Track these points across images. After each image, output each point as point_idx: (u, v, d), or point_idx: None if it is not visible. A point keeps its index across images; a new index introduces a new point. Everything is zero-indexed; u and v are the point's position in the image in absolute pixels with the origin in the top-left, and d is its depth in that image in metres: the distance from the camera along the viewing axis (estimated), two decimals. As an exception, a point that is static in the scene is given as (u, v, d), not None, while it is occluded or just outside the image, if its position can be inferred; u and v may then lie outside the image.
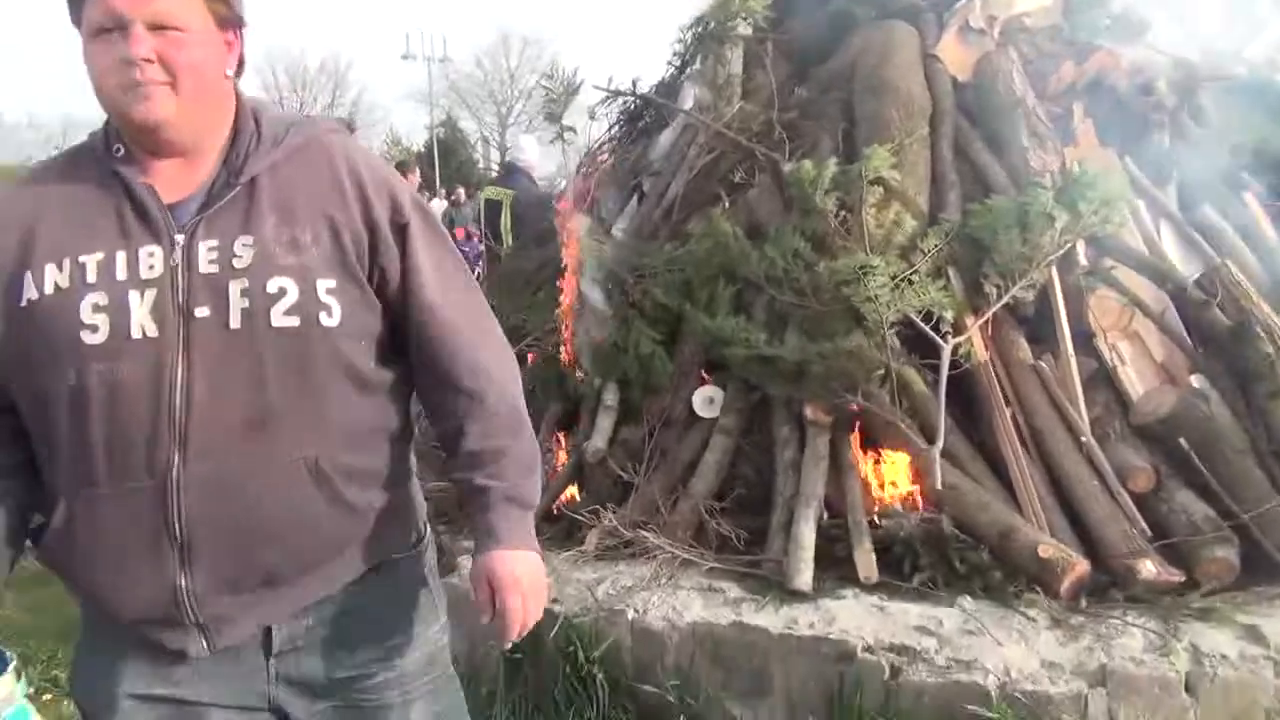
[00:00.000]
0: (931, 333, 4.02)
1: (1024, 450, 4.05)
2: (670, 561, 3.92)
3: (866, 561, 3.74)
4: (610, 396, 4.71)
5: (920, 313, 4.08)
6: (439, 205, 18.54)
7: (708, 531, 4.06)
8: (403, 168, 11.44)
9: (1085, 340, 4.30)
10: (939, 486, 3.78)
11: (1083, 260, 4.31)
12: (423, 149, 36.06)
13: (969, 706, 3.20)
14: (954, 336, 4.10)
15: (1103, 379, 4.23)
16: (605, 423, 4.59)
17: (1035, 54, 5.32)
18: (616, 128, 5.89)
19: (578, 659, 3.61)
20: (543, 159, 8.88)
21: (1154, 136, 5.08)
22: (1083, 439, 3.97)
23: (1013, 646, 3.34)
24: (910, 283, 4.18)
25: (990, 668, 3.26)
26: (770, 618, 3.54)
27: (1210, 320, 4.21)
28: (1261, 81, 5.73)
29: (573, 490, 4.69)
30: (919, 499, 3.99)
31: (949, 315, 4.12)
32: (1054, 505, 3.90)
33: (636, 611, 3.68)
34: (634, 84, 5.85)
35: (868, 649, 3.36)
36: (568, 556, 4.11)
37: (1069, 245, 4.25)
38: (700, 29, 5.60)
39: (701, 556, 3.95)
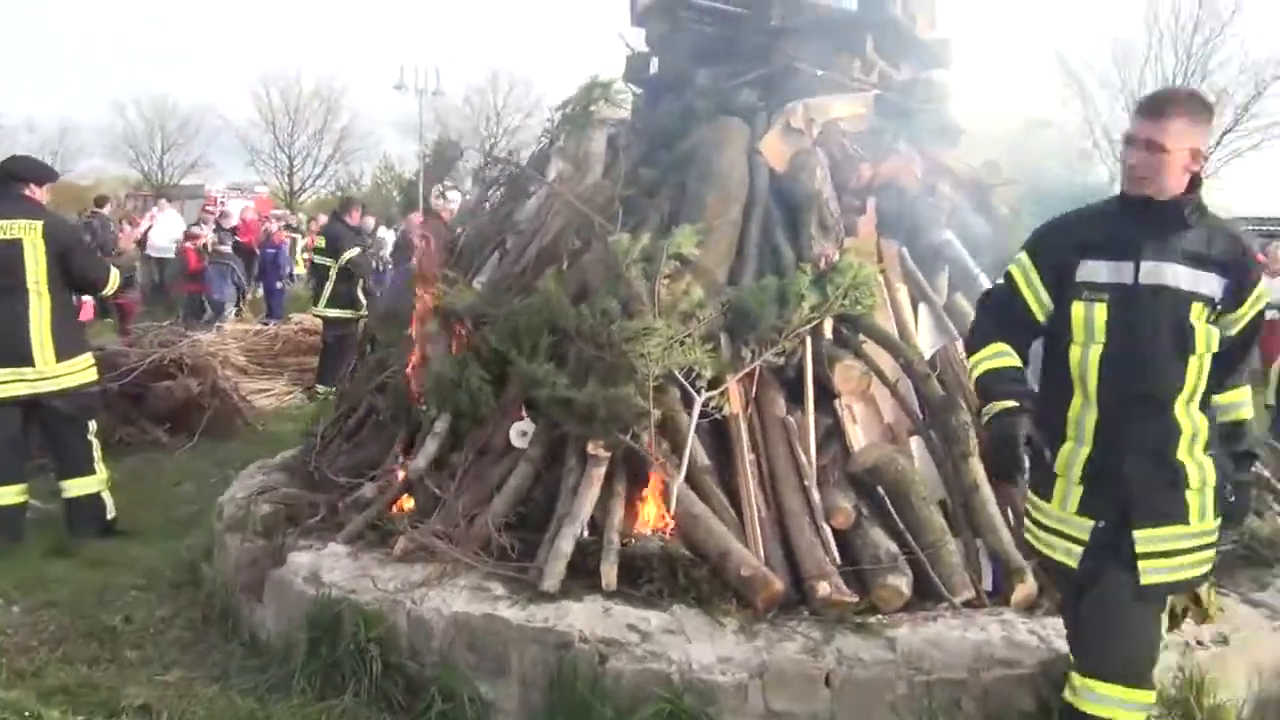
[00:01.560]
0: (689, 387, 4.84)
1: (760, 489, 4.86)
2: (455, 565, 4.71)
3: (608, 572, 4.54)
4: (440, 425, 5.52)
5: (683, 370, 4.90)
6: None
7: (494, 543, 4.84)
8: (349, 204, 12.29)
9: (830, 400, 5.13)
10: (671, 513, 4.59)
11: (828, 334, 5.13)
12: (413, 177, 37.02)
13: (655, 689, 3.99)
14: (711, 391, 4.92)
15: (836, 434, 5.06)
16: (431, 447, 5.41)
17: (844, 155, 6.17)
18: (496, 190, 6.75)
19: (359, 638, 4.40)
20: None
21: (932, 232, 5.92)
22: (805, 482, 4.79)
23: (699, 645, 4.13)
24: (682, 344, 5.00)
25: (676, 660, 4.06)
26: (515, 612, 4.34)
27: (929, 390, 5.04)
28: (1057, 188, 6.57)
29: (410, 503, 5.47)
30: (669, 524, 4.79)
31: (708, 373, 4.93)
32: (774, 536, 4.70)
33: (414, 603, 4.47)
34: (510, 154, 6.70)
35: (584, 640, 4.15)
36: (375, 556, 4.90)
37: (817, 321, 5.08)
38: (565, 110, 6.46)
39: (482, 562, 4.74)
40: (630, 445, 4.86)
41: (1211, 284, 3.20)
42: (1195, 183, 3.23)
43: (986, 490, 4.78)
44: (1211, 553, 3.36)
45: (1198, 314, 3.19)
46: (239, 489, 6.27)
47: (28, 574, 5.96)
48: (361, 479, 5.68)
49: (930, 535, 4.61)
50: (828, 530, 4.65)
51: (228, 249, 17.97)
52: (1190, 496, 3.27)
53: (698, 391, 4.87)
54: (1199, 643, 4.34)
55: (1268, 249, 17.20)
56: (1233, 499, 3.39)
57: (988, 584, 4.63)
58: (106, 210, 19.60)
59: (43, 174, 6.77)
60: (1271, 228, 23.97)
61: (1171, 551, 3.28)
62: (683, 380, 4.88)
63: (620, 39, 6.98)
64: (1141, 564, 3.27)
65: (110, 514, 6.68)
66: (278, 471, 6.62)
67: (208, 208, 20.18)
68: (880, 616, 4.35)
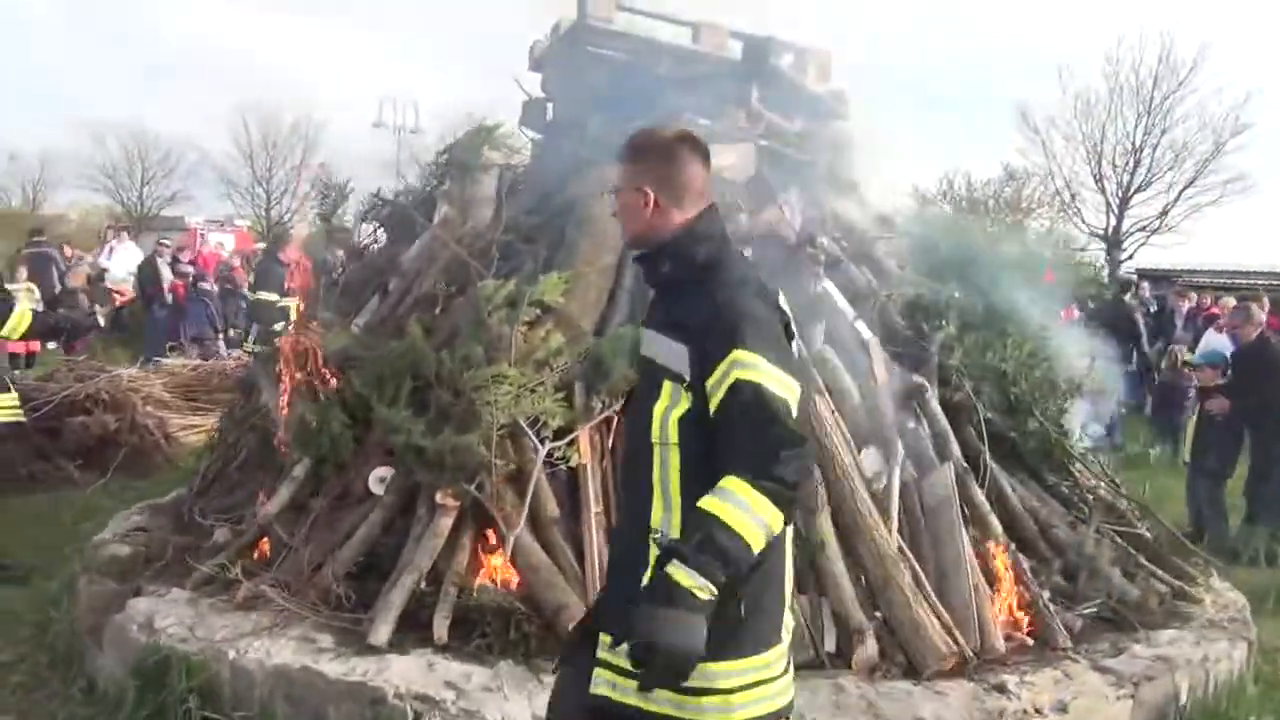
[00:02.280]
0: (533, 437, 4.78)
1: (607, 542, 4.78)
2: (289, 615, 4.62)
3: (440, 625, 4.45)
4: (299, 469, 5.44)
5: (530, 419, 4.84)
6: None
7: (332, 593, 4.74)
8: (281, 240, 12.24)
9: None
10: (505, 565, 4.52)
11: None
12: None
13: (468, 749, 3.90)
14: (559, 441, 4.86)
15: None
16: (284, 492, 5.32)
17: (731, 203, 6.14)
18: (382, 230, 6.71)
19: (180, 688, 4.30)
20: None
21: (809, 282, 5.90)
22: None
23: (517, 702, 4.05)
24: (533, 392, 4.95)
25: (488, 718, 3.96)
26: (335, 665, 4.24)
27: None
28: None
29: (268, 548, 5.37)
30: (511, 576, 4.71)
31: (555, 422, 4.87)
32: (615, 590, 4.61)
33: (238, 653, 4.37)
34: (396, 195, 6.67)
35: (398, 696, 4.06)
36: (215, 603, 4.80)
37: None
38: (450, 154, 6.44)
39: (317, 612, 4.65)
40: (473, 495, 4.78)
41: (681, 356, 2.56)
42: (695, 237, 2.66)
43: (833, 548, 4.72)
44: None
45: (665, 394, 2.59)
46: (111, 529, 6.16)
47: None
48: (228, 522, 5.58)
49: (769, 592, 4.52)
50: (666, 586, 4.56)
51: (207, 285, 17.76)
52: None
53: (542, 441, 4.80)
54: (1037, 711, 4.26)
55: (1220, 301, 17.31)
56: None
57: (830, 644, 4.55)
58: (46, 239, 19.13)
59: None
60: (1227, 280, 24.20)
61: (619, 668, 2.58)
62: (528, 430, 4.80)
63: (516, 83, 6.96)
64: (596, 671, 2.66)
65: None
66: (157, 512, 6.51)
67: (163, 242, 20.00)
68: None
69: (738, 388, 2.43)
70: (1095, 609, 5.15)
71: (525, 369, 5.06)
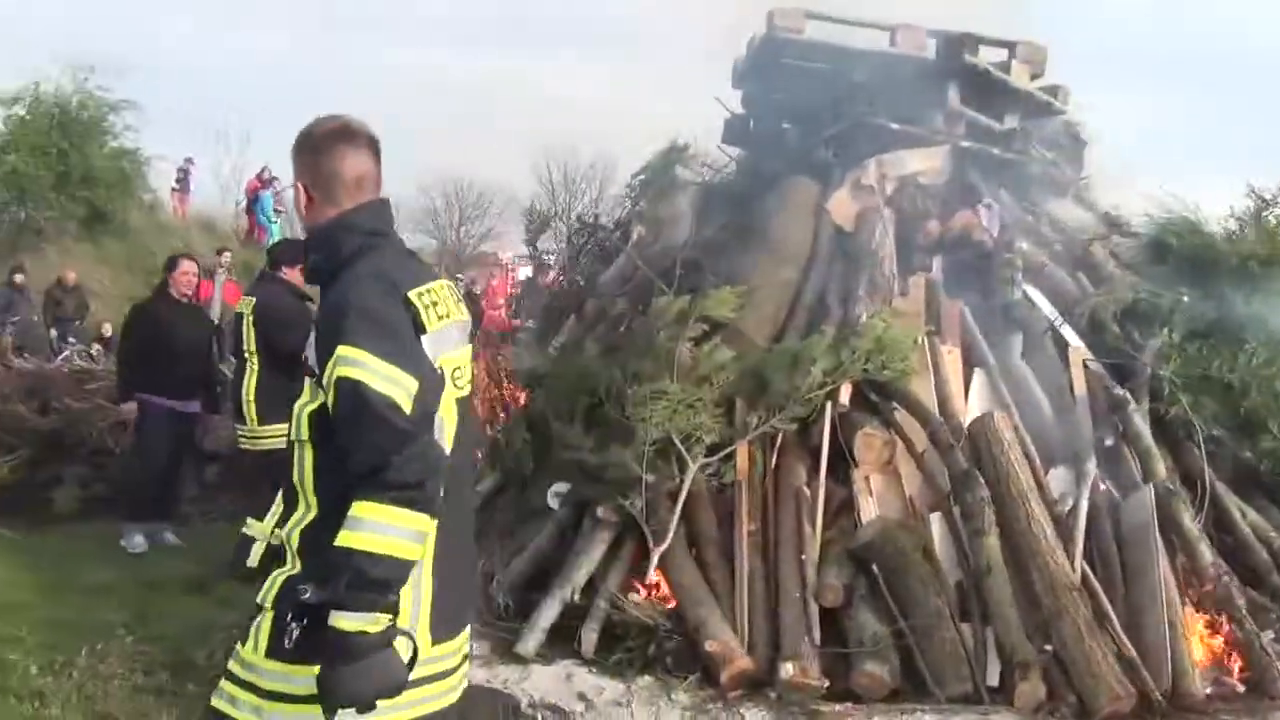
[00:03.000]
0: (684, 452, 4.74)
1: (764, 561, 4.67)
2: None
3: (588, 639, 4.49)
4: (486, 484, 5.67)
5: (683, 434, 4.80)
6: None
7: (494, 603, 4.89)
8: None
9: (851, 471, 4.87)
10: (649, 581, 4.50)
11: (844, 400, 4.87)
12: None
13: (591, 761, 3.92)
14: (710, 457, 4.79)
15: (850, 506, 4.78)
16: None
17: (914, 211, 5.88)
18: (581, 254, 6.90)
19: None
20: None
21: (1004, 290, 5.52)
22: (802, 556, 4.56)
23: (640, 717, 4.01)
24: (691, 407, 4.91)
25: (612, 732, 3.96)
26: (480, 672, 4.35)
27: (952, 462, 4.68)
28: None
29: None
30: (665, 592, 4.69)
31: (709, 438, 4.81)
32: (766, 610, 4.49)
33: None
34: (595, 218, 6.84)
35: (531, 705, 4.13)
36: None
37: (832, 386, 4.85)
38: (644, 175, 6.54)
39: (483, 622, 4.80)
40: (629, 510, 4.79)
41: (313, 350, 2.47)
42: (341, 230, 2.51)
43: (1001, 573, 4.37)
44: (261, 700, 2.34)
45: (306, 389, 2.51)
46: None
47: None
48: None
49: (923, 619, 4.25)
50: (814, 608, 4.39)
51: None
52: (260, 618, 2.38)
53: (694, 457, 4.74)
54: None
55: None
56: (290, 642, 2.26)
57: (993, 678, 4.22)
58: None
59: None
60: None
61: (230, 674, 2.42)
62: (680, 445, 4.76)
63: (717, 101, 6.96)
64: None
65: None
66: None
67: (457, 276, 21.40)
68: (845, 705, 4.05)
69: (340, 385, 2.29)
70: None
71: (687, 385, 5.01)
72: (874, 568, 4.43)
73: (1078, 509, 4.62)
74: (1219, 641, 4.44)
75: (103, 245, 22.77)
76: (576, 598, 4.71)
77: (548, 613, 4.60)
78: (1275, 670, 4.27)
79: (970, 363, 5.31)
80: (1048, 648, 4.20)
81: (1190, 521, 4.66)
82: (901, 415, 4.96)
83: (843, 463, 4.94)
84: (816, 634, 4.32)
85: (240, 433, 6.97)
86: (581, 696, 4.15)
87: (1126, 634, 4.32)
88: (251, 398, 6.77)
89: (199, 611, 6.48)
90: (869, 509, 4.73)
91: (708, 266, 6.03)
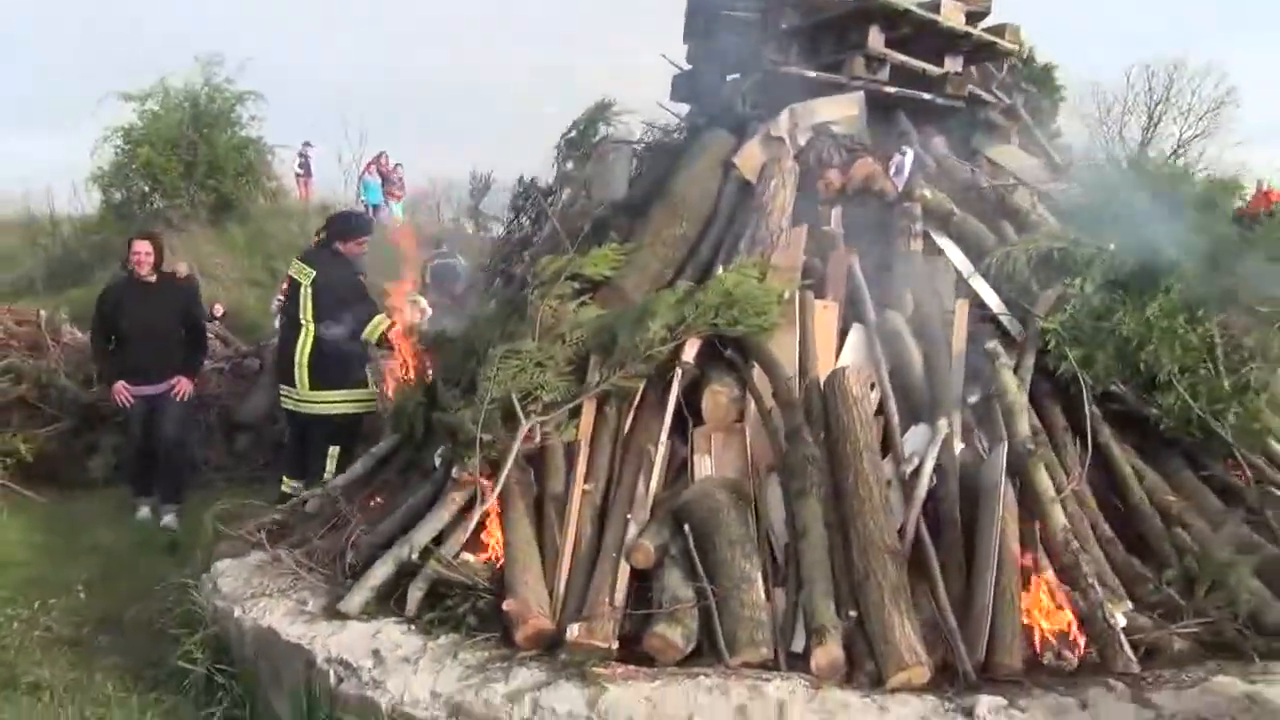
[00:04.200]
0: (520, 411, 4.65)
1: (599, 520, 4.55)
2: (310, 582, 4.86)
3: (413, 598, 4.47)
4: (383, 445, 5.72)
5: (524, 393, 4.71)
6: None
7: (345, 562, 4.91)
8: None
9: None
10: (494, 541, 4.45)
11: (687, 356, 4.68)
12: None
13: (369, 716, 3.91)
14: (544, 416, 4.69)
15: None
16: (358, 467, 5.65)
17: (829, 160, 5.59)
18: (520, 215, 6.85)
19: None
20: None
21: (901, 242, 5.20)
22: (627, 516, 4.42)
23: (421, 676, 3.97)
24: (541, 366, 4.82)
25: (392, 691, 3.94)
26: (296, 628, 4.40)
27: (788, 420, 4.45)
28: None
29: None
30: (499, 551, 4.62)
31: (546, 396, 4.70)
32: (585, 569, 4.38)
33: (243, 611, 4.67)
34: (532, 181, 6.76)
35: (326, 660, 4.14)
36: (277, 568, 5.14)
37: (677, 343, 4.67)
38: (570, 134, 6.43)
39: (334, 581, 4.84)
40: (468, 471, 4.73)
41: None
42: None
43: (816, 535, 4.13)
44: None
45: None
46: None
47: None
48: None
49: (727, 582, 4.06)
50: (625, 568, 4.25)
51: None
52: None
53: (529, 416, 4.65)
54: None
55: None
56: None
57: (799, 643, 4.00)
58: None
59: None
60: None
61: None
62: (517, 403, 4.68)
63: (664, 58, 6.78)
64: None
65: None
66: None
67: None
68: (627, 667, 3.91)
69: None
70: (1198, 629, 4.05)
71: (545, 343, 4.92)
72: (685, 528, 4.24)
73: (922, 469, 4.31)
74: (1067, 613, 4.07)
75: (226, 231, 23.87)
76: (415, 557, 4.68)
77: (380, 571, 4.59)
78: (1116, 645, 3.90)
79: (853, 318, 5.03)
80: (852, 613, 3.95)
81: (1047, 484, 4.29)
82: (759, 372, 4.73)
83: (701, 421, 4.76)
84: (620, 595, 4.17)
85: (286, 394, 7.26)
86: (375, 653, 4.13)
87: (959, 602, 4.03)
88: (305, 362, 7.06)
89: (158, 571, 6.75)
90: (704, 468, 4.54)
91: (615, 225, 5.90)
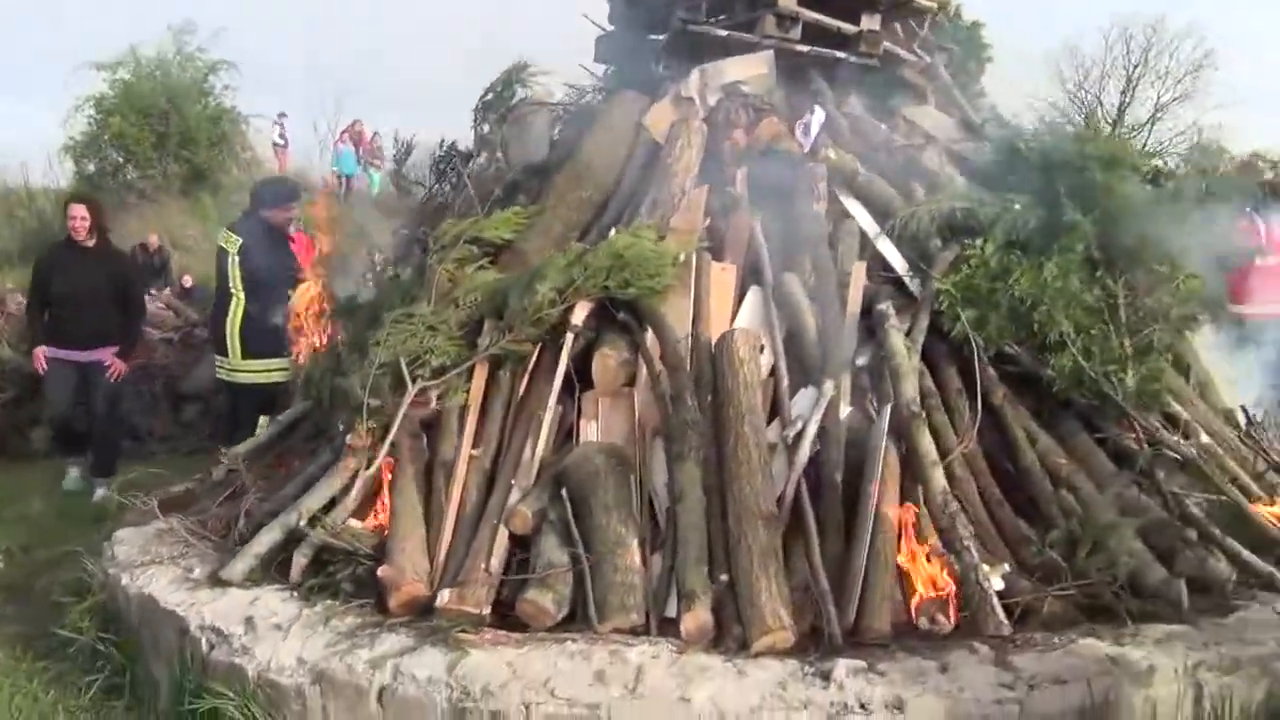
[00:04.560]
0: (407, 375, 4.59)
1: (485, 485, 4.51)
2: (201, 549, 4.83)
3: (297, 564, 4.43)
4: (289, 414, 5.65)
5: (411, 358, 4.65)
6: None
7: (235, 531, 4.87)
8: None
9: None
10: (353, 506, 4.41)
11: (576, 320, 4.61)
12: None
13: (237, 685, 3.87)
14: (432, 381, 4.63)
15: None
16: (262, 436, 5.57)
17: (736, 120, 5.51)
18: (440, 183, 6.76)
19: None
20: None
21: (803, 203, 5.14)
22: (512, 482, 4.38)
23: (289, 643, 3.93)
24: (434, 330, 4.76)
25: (259, 656, 3.90)
26: (175, 596, 4.37)
27: (673, 384, 4.40)
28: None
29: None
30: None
31: (435, 361, 4.64)
32: (467, 535, 4.34)
33: (130, 579, 4.63)
34: (452, 145, 6.67)
35: (200, 627, 4.11)
36: (173, 536, 5.09)
37: (565, 305, 4.61)
38: (487, 96, 6.34)
39: (222, 549, 4.80)
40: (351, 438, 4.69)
41: None
42: None
43: (693, 499, 4.09)
44: None
45: None
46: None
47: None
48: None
49: (601, 547, 4.02)
50: (502, 534, 4.21)
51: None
52: None
53: (414, 380, 4.59)
54: (862, 706, 3.43)
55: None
56: None
57: (672, 609, 3.96)
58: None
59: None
60: None
61: None
62: (404, 368, 4.62)
63: (586, 19, 6.67)
64: None
65: None
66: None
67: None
68: (496, 633, 3.88)
69: None
70: (1076, 592, 4.02)
71: (439, 308, 4.86)
72: (563, 493, 4.20)
73: (805, 432, 4.27)
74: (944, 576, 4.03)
75: (199, 202, 23.75)
76: (303, 524, 4.63)
77: (266, 538, 4.55)
78: (989, 607, 3.87)
79: (752, 281, 4.96)
80: (723, 578, 3.91)
81: (929, 446, 4.25)
82: (653, 336, 4.67)
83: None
84: (496, 561, 4.14)
85: (220, 364, 7.26)
86: (248, 620, 4.09)
87: (836, 566, 4.00)
88: (236, 332, 7.05)
89: (77, 541, 6.70)
90: (590, 433, 4.50)
91: (526, 188, 5.83)
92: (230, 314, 7.21)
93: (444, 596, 3.98)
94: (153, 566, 4.71)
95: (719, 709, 3.40)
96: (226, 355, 7.30)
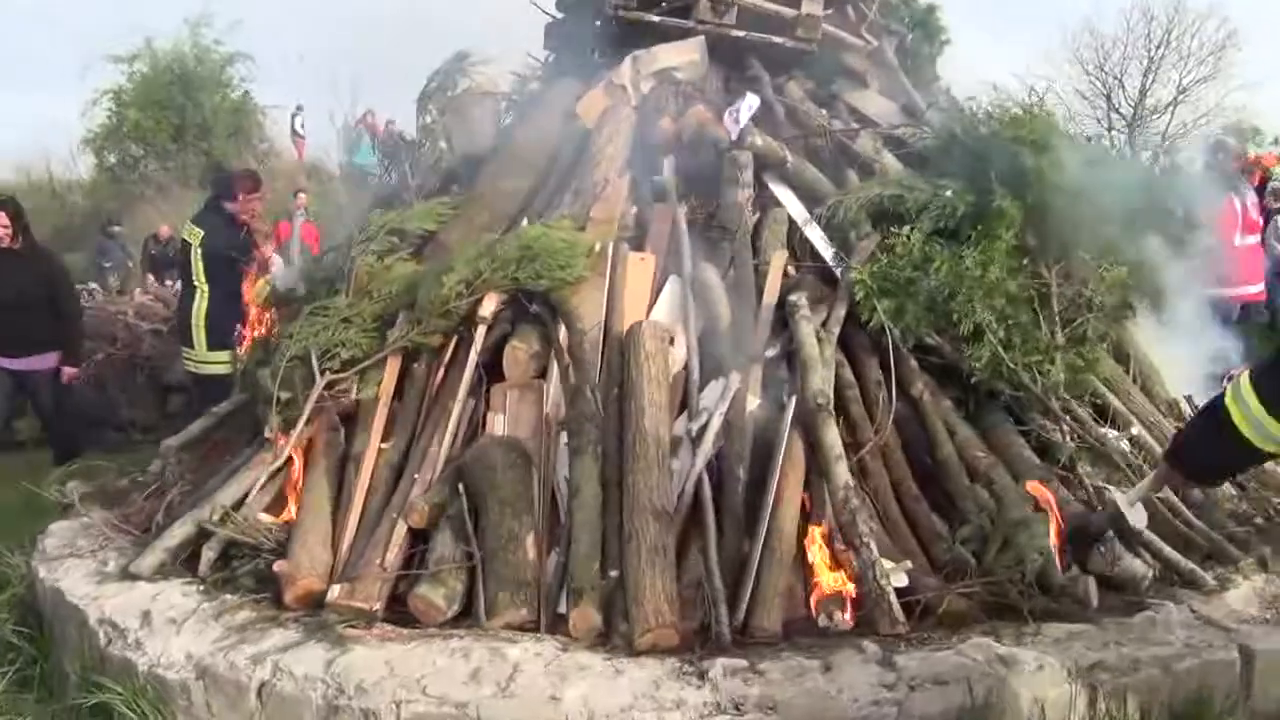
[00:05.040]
0: (316, 368, 4.57)
1: (394, 479, 4.49)
2: (120, 544, 4.83)
3: (206, 558, 4.43)
4: (224, 406, 5.66)
5: (323, 350, 4.63)
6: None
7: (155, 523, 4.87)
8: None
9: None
10: (266, 500, 4.39)
11: (484, 312, 4.56)
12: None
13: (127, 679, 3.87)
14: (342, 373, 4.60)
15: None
16: (195, 427, 5.56)
17: (655, 109, 5.44)
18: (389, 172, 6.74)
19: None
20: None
21: (728, 191, 5.05)
22: (415, 476, 4.34)
23: (184, 639, 3.92)
24: (349, 322, 4.73)
25: (149, 651, 3.89)
26: (82, 588, 4.37)
27: (580, 377, 4.34)
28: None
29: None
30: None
31: (345, 353, 4.61)
32: (370, 529, 4.31)
33: (47, 572, 4.63)
34: (399, 134, 6.64)
35: (99, 622, 4.10)
36: (97, 530, 5.10)
37: (475, 298, 4.56)
38: (429, 85, 6.29)
39: (139, 540, 4.79)
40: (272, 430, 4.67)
41: None
42: None
43: (588, 495, 4.04)
44: None
45: None
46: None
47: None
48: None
49: (494, 543, 3.98)
50: (401, 528, 4.18)
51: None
52: None
53: (323, 373, 4.56)
54: (736, 707, 3.36)
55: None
56: None
57: (565, 605, 3.92)
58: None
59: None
60: None
61: None
62: (314, 361, 4.59)
63: (535, 6, 6.60)
64: None
65: None
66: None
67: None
68: (386, 628, 3.86)
69: None
70: (981, 589, 3.93)
71: (356, 300, 4.84)
72: (459, 488, 4.15)
73: (709, 425, 4.19)
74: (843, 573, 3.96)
75: (215, 193, 23.88)
76: (215, 518, 4.62)
77: (178, 532, 4.55)
78: (885, 605, 3.79)
79: (672, 271, 4.89)
80: (613, 573, 3.86)
81: (834, 438, 4.16)
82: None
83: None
84: (392, 556, 4.10)
85: (186, 357, 7.31)
86: (145, 615, 4.08)
87: (734, 563, 3.94)
88: (201, 323, 7.10)
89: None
90: (497, 426, 4.45)
91: (463, 178, 5.79)
92: (195, 305, 7.25)
93: (334, 591, 3.95)
94: (70, 560, 4.71)
95: (589, 709, 3.34)
96: (192, 347, 7.35)
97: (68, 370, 7.51)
